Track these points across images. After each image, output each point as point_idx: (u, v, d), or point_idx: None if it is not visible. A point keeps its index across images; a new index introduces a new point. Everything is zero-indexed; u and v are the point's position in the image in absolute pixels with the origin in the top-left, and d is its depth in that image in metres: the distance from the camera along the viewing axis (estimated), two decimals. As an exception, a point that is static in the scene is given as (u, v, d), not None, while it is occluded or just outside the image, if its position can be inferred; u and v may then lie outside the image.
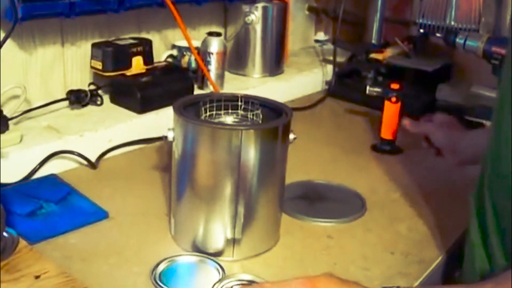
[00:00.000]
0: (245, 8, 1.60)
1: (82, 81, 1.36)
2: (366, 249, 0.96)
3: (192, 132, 0.86)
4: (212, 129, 0.85)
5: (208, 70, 1.45)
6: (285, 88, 1.66)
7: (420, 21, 1.63)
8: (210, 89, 1.45)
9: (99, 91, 1.33)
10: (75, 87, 1.31)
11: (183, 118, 0.87)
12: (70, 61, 1.33)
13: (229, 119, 0.97)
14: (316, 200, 1.10)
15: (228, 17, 1.67)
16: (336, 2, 1.96)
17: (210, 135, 0.85)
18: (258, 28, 1.61)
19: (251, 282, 0.82)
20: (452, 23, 1.60)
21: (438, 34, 1.56)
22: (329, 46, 2.00)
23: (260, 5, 1.60)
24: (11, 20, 1.08)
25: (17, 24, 1.09)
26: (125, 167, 1.19)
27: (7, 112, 1.14)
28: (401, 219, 1.05)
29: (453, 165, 1.15)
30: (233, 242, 0.89)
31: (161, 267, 0.85)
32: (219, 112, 0.96)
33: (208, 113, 0.95)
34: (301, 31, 2.00)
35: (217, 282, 0.82)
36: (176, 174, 0.91)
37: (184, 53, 1.50)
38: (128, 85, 1.32)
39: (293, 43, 1.87)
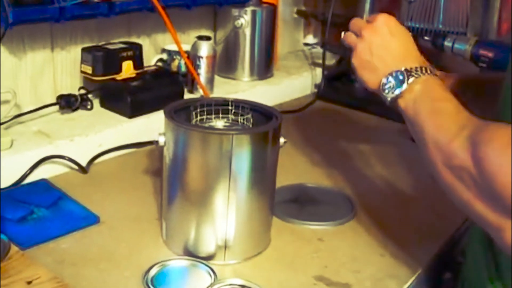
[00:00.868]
0: (235, 12, 1.60)
1: (72, 85, 1.35)
2: (356, 251, 0.97)
3: (183, 136, 0.87)
4: (203, 134, 0.86)
5: (198, 74, 1.46)
6: (275, 92, 1.67)
7: (409, 24, 1.64)
8: (200, 93, 1.46)
9: (89, 96, 1.33)
10: (65, 92, 1.31)
11: (174, 122, 0.87)
12: (60, 65, 1.33)
13: (219, 124, 0.98)
14: (307, 204, 1.11)
15: (217, 21, 1.68)
16: (324, 6, 1.97)
17: (201, 139, 0.85)
18: (248, 31, 1.62)
19: (242, 286, 0.83)
20: (440, 26, 1.62)
21: (426, 37, 1.57)
22: (318, 49, 2.02)
23: (249, 9, 1.60)
24: (2, 25, 1.08)
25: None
26: (116, 172, 1.19)
27: (-3, 117, 1.14)
28: (390, 222, 1.06)
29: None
30: (224, 245, 0.89)
31: (153, 271, 0.85)
32: (209, 116, 0.97)
33: (199, 118, 0.96)
34: (290, 34, 2.01)
35: (209, 286, 0.82)
36: (167, 179, 0.91)
37: (174, 57, 1.50)
38: (118, 89, 1.32)
39: (282, 46, 1.88)
